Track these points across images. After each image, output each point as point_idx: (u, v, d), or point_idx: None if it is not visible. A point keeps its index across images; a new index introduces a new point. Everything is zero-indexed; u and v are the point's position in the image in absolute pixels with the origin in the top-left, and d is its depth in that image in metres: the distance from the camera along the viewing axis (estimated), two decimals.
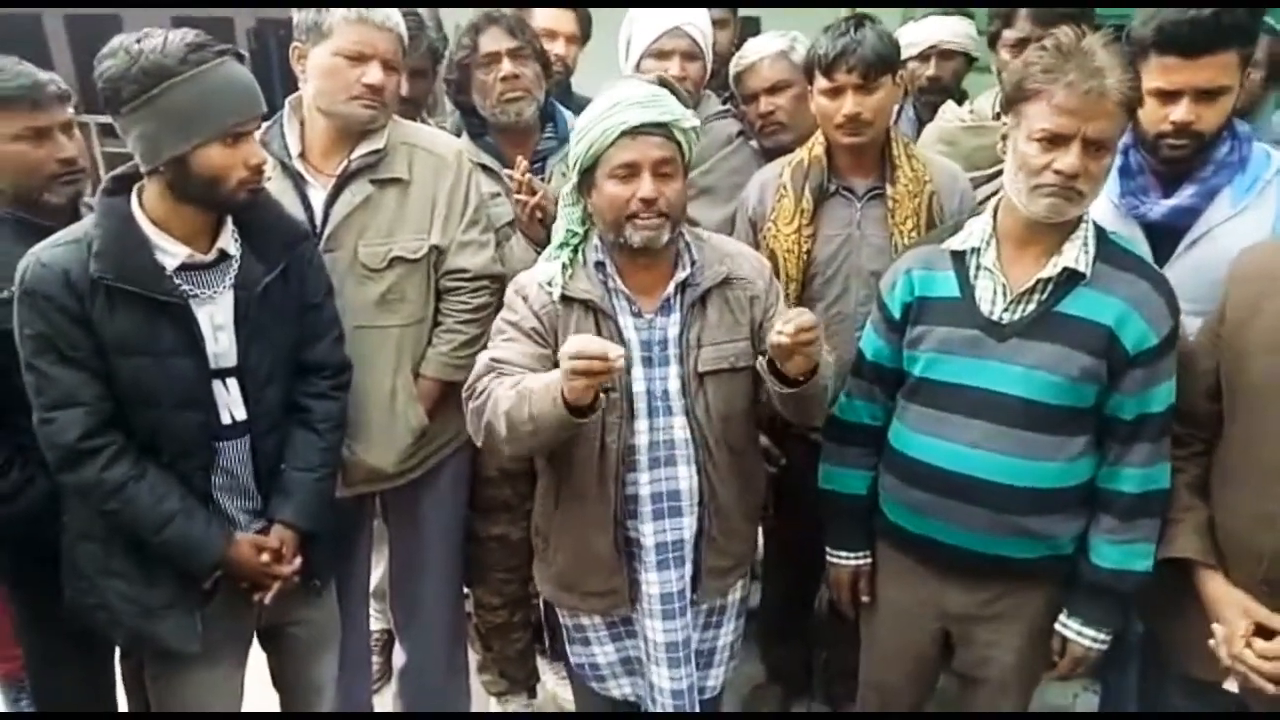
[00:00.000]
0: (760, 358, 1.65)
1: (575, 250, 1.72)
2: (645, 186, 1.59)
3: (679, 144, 1.63)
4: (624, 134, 1.58)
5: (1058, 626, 1.70)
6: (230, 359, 1.65)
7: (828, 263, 2.06)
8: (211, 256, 1.63)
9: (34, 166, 1.76)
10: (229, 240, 1.65)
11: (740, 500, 1.81)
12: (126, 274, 1.53)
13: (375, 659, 2.65)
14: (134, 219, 1.58)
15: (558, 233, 1.75)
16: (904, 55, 2.26)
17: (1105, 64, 1.47)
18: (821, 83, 1.97)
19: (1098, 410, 1.62)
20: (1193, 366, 1.65)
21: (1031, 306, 1.61)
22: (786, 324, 1.49)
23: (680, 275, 1.70)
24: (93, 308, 1.53)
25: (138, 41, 1.49)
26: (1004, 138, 1.61)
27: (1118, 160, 1.81)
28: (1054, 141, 1.49)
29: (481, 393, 1.64)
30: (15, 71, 1.75)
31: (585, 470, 1.70)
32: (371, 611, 2.53)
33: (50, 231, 1.69)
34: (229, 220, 1.66)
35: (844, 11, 3.06)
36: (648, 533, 1.73)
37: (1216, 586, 1.58)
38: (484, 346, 2.05)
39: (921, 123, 2.73)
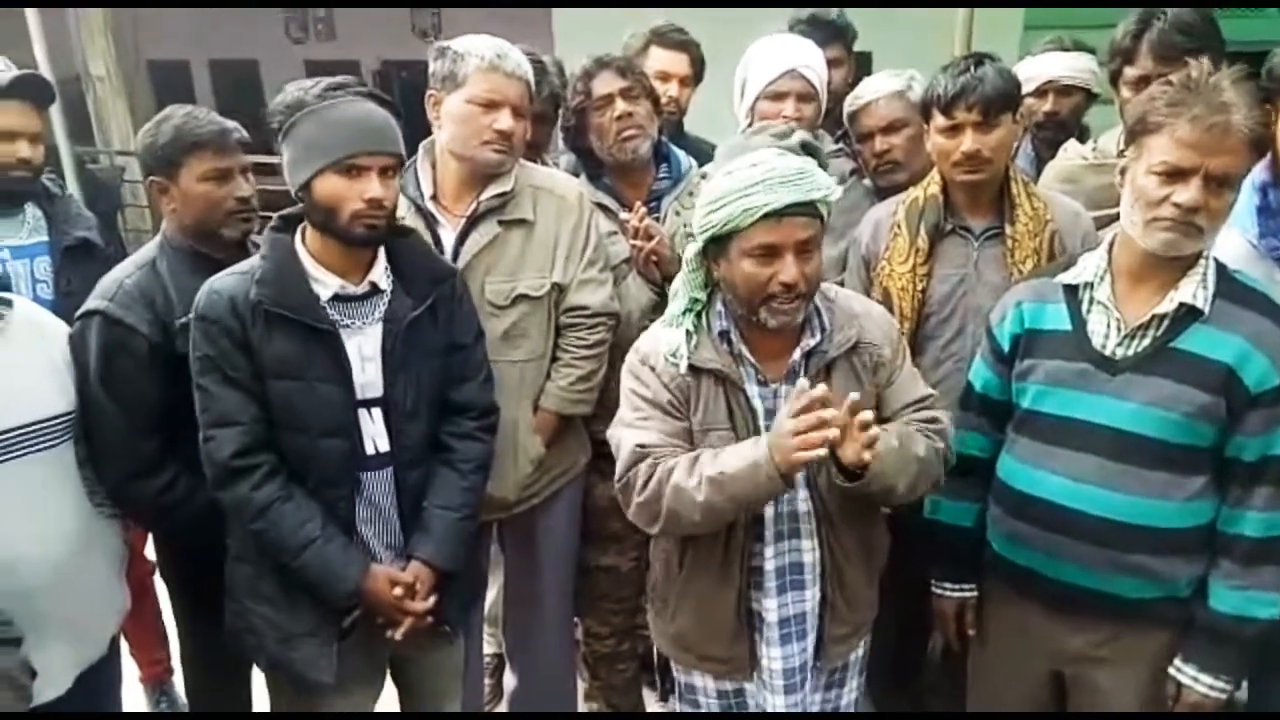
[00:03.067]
0: None
1: (699, 316, 1.65)
2: (789, 271, 1.50)
3: (820, 217, 1.54)
4: (768, 214, 1.47)
5: (1172, 670, 1.64)
6: (376, 389, 1.72)
7: (943, 302, 2.05)
8: (362, 289, 1.71)
9: (216, 204, 1.91)
10: (381, 275, 1.73)
11: (864, 569, 1.75)
12: (283, 300, 1.64)
13: (486, 680, 2.72)
14: (295, 252, 1.70)
15: (678, 296, 1.67)
16: (1022, 91, 2.23)
17: (1233, 100, 1.45)
18: (940, 120, 1.97)
19: (1218, 451, 1.57)
20: None
21: (1146, 342, 1.58)
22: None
23: (809, 343, 1.62)
24: (253, 331, 1.63)
25: (299, 85, 1.63)
26: (1122, 171, 1.58)
27: (1256, 199, 1.76)
28: (1174, 175, 1.47)
29: (647, 484, 1.57)
30: (207, 119, 1.91)
31: (711, 541, 1.66)
32: (485, 634, 2.60)
33: (221, 264, 1.84)
34: (381, 256, 1.75)
35: (958, 49, 3.10)
36: (771, 608, 1.68)
37: None
38: (600, 381, 2.13)
39: (1040, 159, 2.68)
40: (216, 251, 1.94)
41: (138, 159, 1.98)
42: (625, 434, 1.64)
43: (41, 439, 1.71)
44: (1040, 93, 2.68)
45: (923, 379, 1.80)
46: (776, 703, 1.71)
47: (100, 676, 1.88)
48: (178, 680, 2.72)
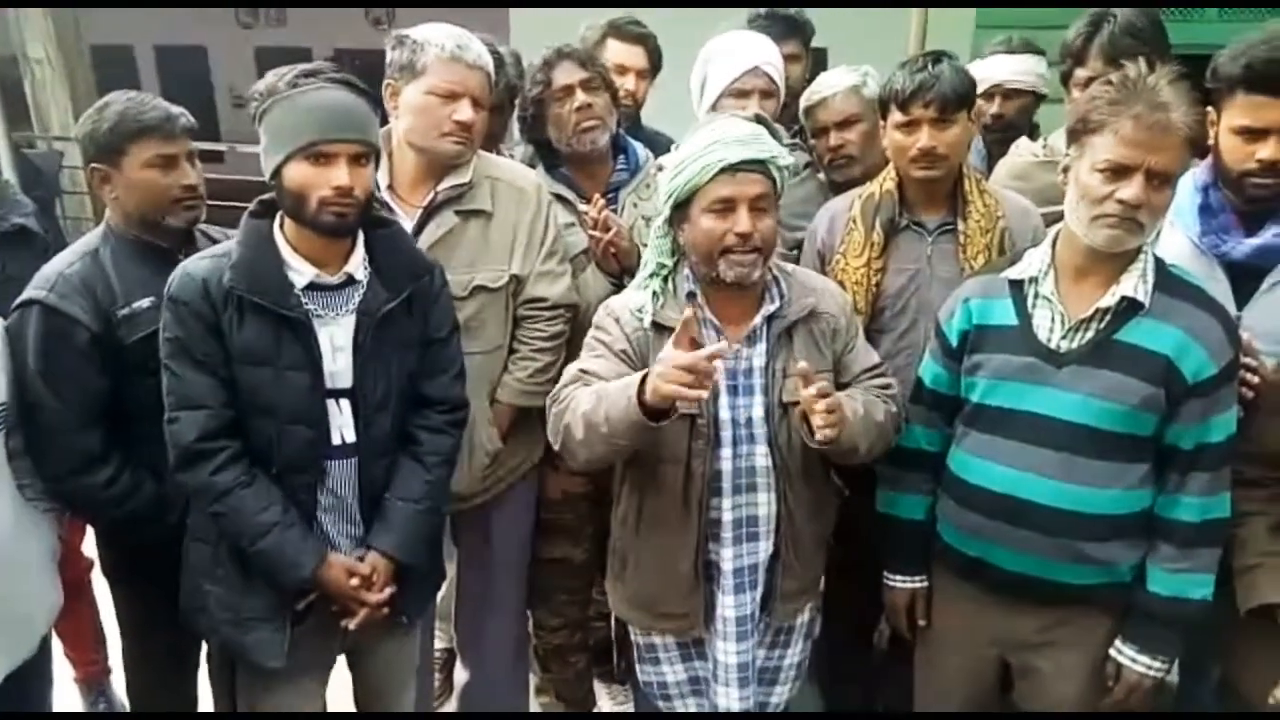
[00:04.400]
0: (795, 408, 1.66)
1: (665, 280, 1.75)
2: (742, 222, 1.61)
3: (774, 180, 1.66)
4: (723, 170, 1.61)
5: (1112, 652, 1.70)
6: (345, 380, 1.70)
7: (897, 296, 2.07)
8: (338, 279, 1.69)
9: (161, 191, 1.86)
10: (358, 266, 1.71)
11: (814, 525, 1.84)
12: (256, 286, 1.61)
13: (436, 675, 2.69)
14: (272, 239, 1.67)
15: (647, 263, 1.79)
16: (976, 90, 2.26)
17: (1171, 99, 1.50)
18: (897, 116, 1.98)
19: (1157, 439, 1.62)
20: (1275, 409, 1.62)
21: (1089, 335, 1.63)
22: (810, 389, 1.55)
23: (769, 308, 1.73)
24: (224, 316, 1.61)
25: (276, 73, 1.61)
26: (1065, 170, 1.63)
27: (1198, 199, 1.81)
28: (1118, 172, 1.52)
29: (565, 399, 1.68)
30: (152, 104, 1.86)
31: (670, 495, 1.74)
32: (435, 629, 2.57)
33: (167, 253, 1.82)
34: (360, 247, 1.72)
35: (913, 46, 3.14)
36: (727, 557, 1.76)
37: None
38: (559, 374, 2.11)
39: (991, 156, 2.72)
40: (162, 240, 1.90)
41: (79, 145, 1.92)
42: (573, 364, 1.75)
43: None
44: (987, 95, 2.72)
45: None
46: (729, 649, 1.79)
47: (29, 676, 1.82)
48: (115, 680, 2.67)
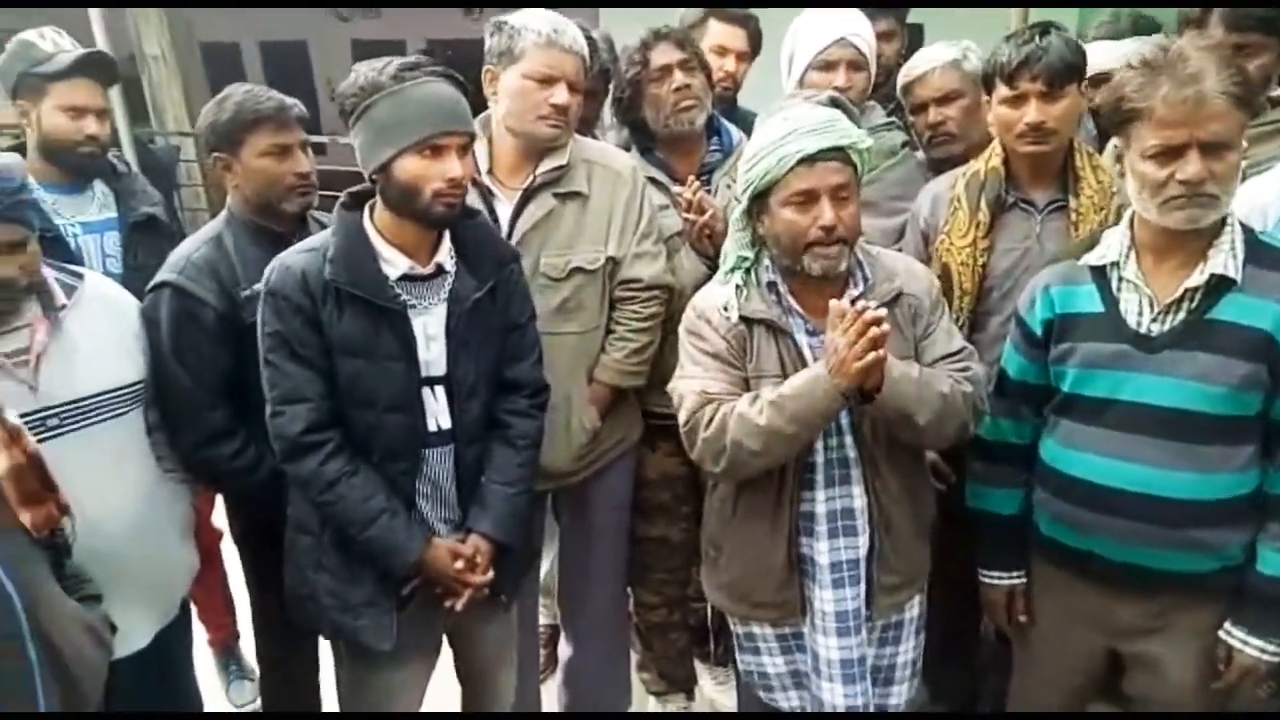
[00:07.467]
0: None
1: (747, 273, 1.72)
2: (826, 214, 1.58)
3: (854, 165, 1.62)
4: (801, 161, 1.57)
5: (1222, 634, 1.63)
6: (440, 368, 1.74)
7: (1004, 276, 2.01)
8: (429, 270, 1.73)
9: (276, 179, 1.95)
10: (446, 256, 1.75)
11: (911, 518, 1.79)
12: (355, 280, 1.66)
13: (541, 650, 2.76)
14: (365, 231, 1.71)
15: (728, 257, 1.76)
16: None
17: (1199, 68, 1.44)
18: (1003, 90, 1.93)
19: (1264, 417, 1.55)
20: None
21: (1181, 316, 1.57)
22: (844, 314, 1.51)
23: (853, 293, 1.68)
24: (323, 309, 1.66)
25: (371, 66, 1.64)
26: (1119, 159, 1.57)
27: None
28: (1169, 154, 1.46)
29: (712, 422, 1.63)
30: (267, 95, 1.96)
31: (763, 486, 1.73)
32: (540, 605, 2.63)
33: (282, 237, 1.90)
34: (447, 238, 1.76)
35: (1015, 21, 3.01)
36: (823, 550, 1.74)
37: None
38: (653, 354, 2.14)
39: (1102, 136, 2.60)
40: (277, 225, 1.99)
41: (201, 137, 2.02)
42: (689, 384, 1.71)
43: (113, 407, 1.77)
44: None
45: (983, 354, 1.82)
46: (830, 644, 1.76)
47: (175, 635, 1.95)
48: (244, 645, 2.82)
